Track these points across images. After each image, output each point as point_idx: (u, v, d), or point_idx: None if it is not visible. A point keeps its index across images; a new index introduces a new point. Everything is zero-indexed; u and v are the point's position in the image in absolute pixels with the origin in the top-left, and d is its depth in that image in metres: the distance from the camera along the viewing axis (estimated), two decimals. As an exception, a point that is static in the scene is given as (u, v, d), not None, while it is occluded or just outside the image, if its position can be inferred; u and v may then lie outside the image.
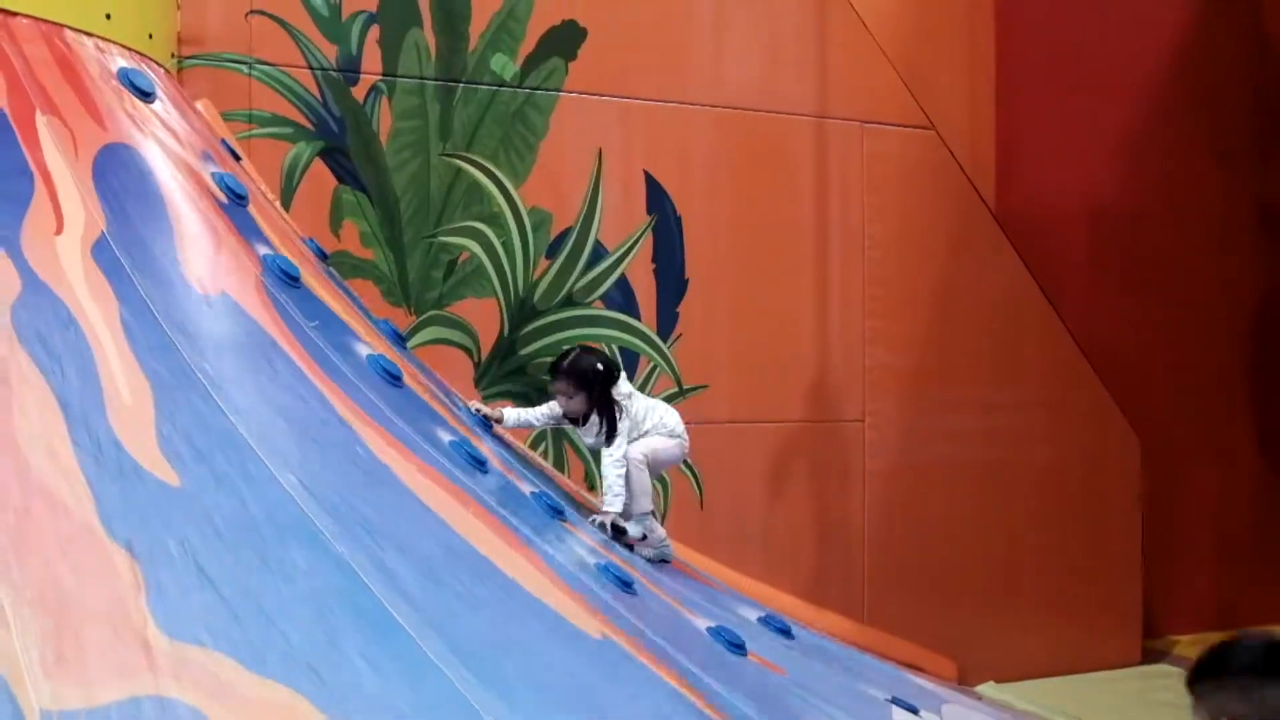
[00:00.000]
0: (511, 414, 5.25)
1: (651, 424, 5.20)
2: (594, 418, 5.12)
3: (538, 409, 5.28)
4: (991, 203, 7.91)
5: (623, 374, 5.25)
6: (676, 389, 6.89)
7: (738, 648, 4.48)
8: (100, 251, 3.87)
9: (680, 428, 5.28)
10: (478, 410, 5.18)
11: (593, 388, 5.08)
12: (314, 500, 3.40)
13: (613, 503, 5.01)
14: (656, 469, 5.28)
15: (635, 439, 5.14)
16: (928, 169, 7.68)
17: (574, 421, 5.21)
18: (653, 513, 5.21)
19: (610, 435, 5.09)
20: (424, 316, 6.37)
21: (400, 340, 5.58)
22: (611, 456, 5.05)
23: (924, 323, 7.62)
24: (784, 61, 7.30)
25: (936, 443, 7.54)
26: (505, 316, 6.54)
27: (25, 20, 4.40)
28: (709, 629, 4.56)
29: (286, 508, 3.33)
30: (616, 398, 5.12)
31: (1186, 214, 8.57)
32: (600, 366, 5.12)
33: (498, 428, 5.25)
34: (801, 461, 7.22)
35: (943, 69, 7.85)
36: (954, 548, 7.46)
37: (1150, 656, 7.96)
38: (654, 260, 6.89)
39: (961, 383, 7.65)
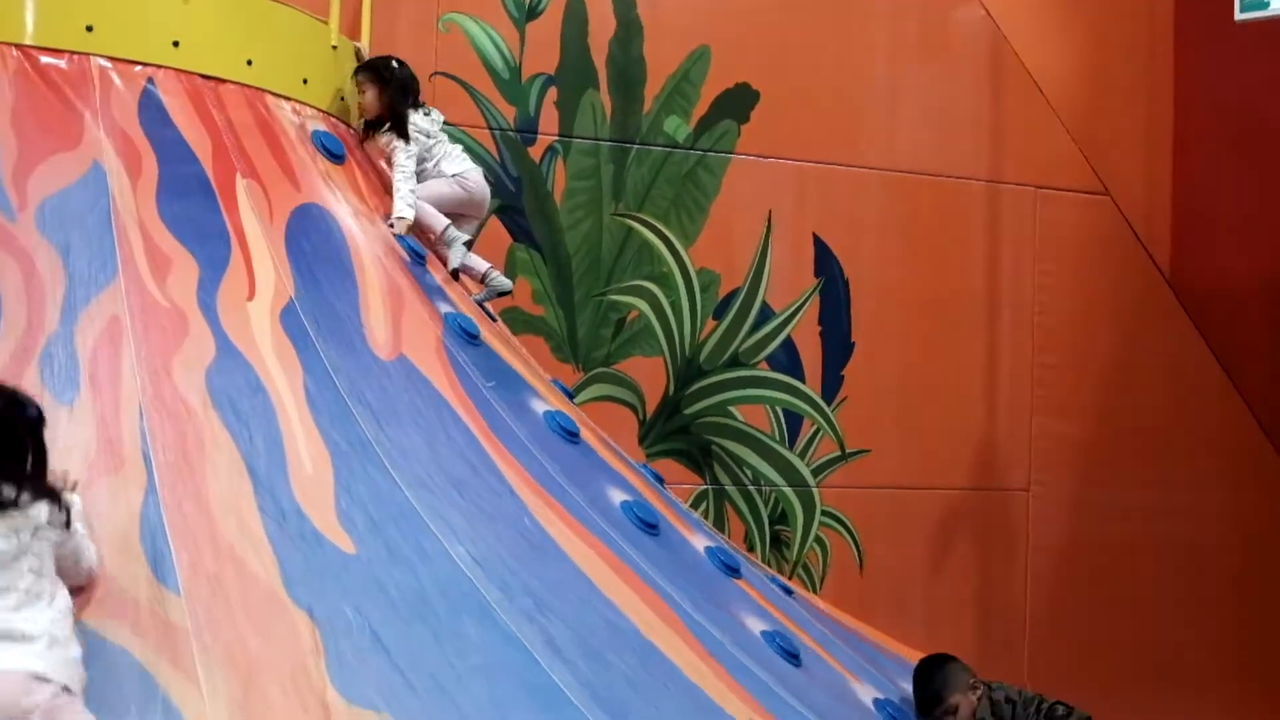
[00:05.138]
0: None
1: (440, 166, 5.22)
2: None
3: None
4: (1167, 271, 7.74)
5: (434, 112, 5.30)
6: (839, 452, 6.87)
7: (902, 724, 4.46)
8: (288, 318, 4.04)
9: (471, 182, 5.29)
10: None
11: (386, 83, 5.16)
12: (484, 574, 3.49)
13: (402, 209, 4.92)
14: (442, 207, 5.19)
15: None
16: (1102, 236, 7.56)
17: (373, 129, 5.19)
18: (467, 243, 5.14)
19: (399, 132, 5.09)
20: (591, 373, 6.46)
21: (569, 396, 5.67)
22: (402, 169, 5.02)
23: (1095, 393, 7.48)
24: (958, 126, 7.26)
25: (1105, 516, 7.37)
26: (671, 375, 6.60)
27: (232, 86, 4.62)
28: (875, 701, 4.54)
29: (458, 582, 3.43)
30: (419, 122, 5.15)
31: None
32: (396, 66, 5.23)
33: None
34: (965, 530, 7.13)
35: (1119, 134, 7.70)
36: (1122, 627, 7.28)
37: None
38: (820, 323, 6.89)
39: (1133, 455, 7.47)
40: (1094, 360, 7.48)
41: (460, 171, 5.29)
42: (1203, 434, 7.59)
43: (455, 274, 5.10)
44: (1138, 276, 7.64)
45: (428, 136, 5.22)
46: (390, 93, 5.19)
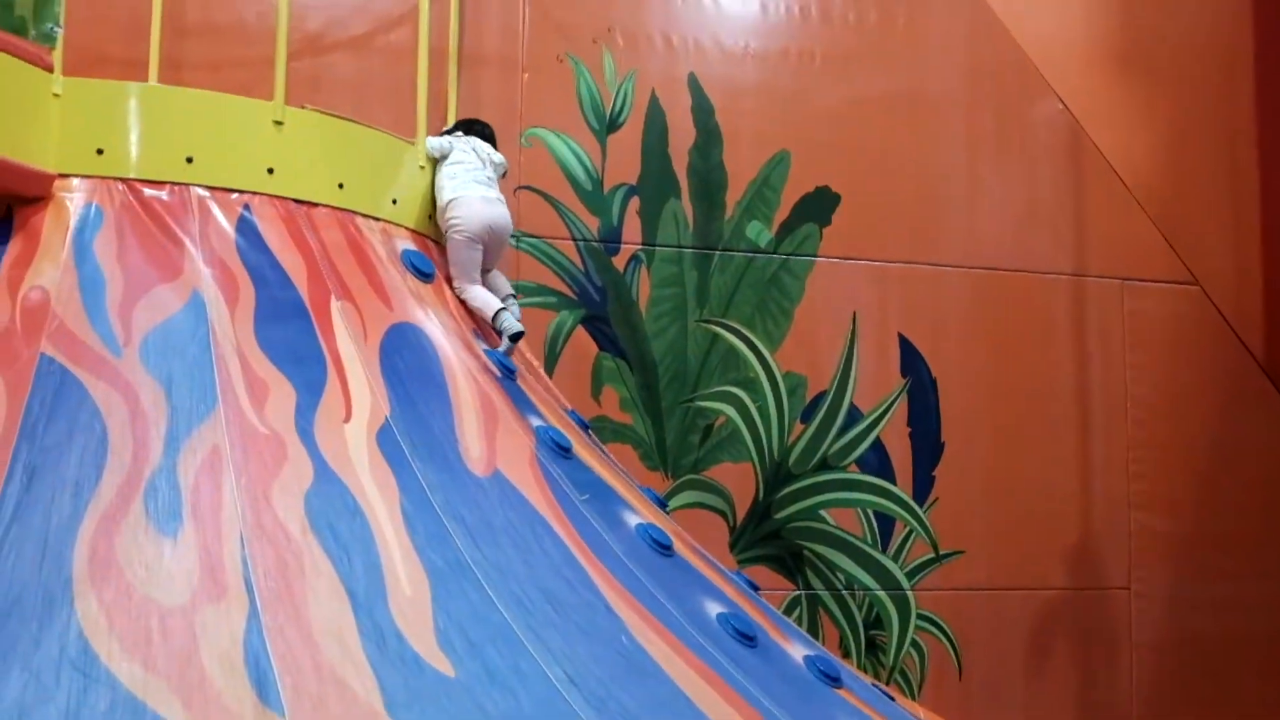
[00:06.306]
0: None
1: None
2: None
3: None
4: (1261, 357, 7.61)
5: (497, 154, 5.39)
6: (933, 554, 6.78)
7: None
8: (384, 438, 4.09)
9: (458, 218, 5.11)
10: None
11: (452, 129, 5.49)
12: (580, 695, 3.47)
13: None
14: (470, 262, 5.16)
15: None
16: (1193, 326, 7.45)
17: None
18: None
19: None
20: (680, 480, 6.46)
21: (662, 505, 5.67)
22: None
23: (1193, 485, 7.32)
24: (1040, 219, 7.23)
25: (1212, 612, 7.19)
26: (760, 480, 6.58)
27: (324, 210, 4.75)
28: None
29: (555, 704, 3.41)
30: (447, 150, 5.27)
31: None
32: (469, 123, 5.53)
33: None
34: (1064, 630, 6.99)
35: (1205, 221, 7.61)
36: (1230, 725, 7.07)
37: None
38: (909, 424, 6.85)
39: (1238, 548, 7.30)
40: (1190, 452, 7.34)
41: (452, 201, 5.15)
42: (1309, 523, 7.41)
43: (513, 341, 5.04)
44: (1231, 365, 7.52)
45: (470, 152, 5.27)
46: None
